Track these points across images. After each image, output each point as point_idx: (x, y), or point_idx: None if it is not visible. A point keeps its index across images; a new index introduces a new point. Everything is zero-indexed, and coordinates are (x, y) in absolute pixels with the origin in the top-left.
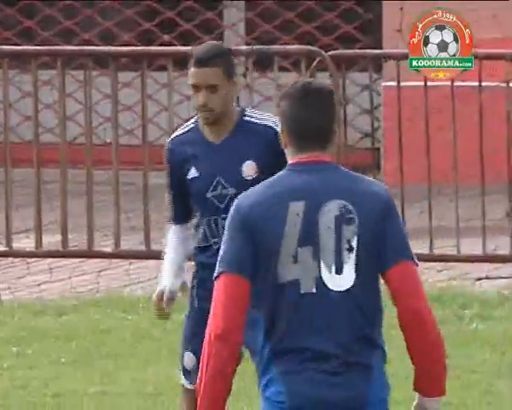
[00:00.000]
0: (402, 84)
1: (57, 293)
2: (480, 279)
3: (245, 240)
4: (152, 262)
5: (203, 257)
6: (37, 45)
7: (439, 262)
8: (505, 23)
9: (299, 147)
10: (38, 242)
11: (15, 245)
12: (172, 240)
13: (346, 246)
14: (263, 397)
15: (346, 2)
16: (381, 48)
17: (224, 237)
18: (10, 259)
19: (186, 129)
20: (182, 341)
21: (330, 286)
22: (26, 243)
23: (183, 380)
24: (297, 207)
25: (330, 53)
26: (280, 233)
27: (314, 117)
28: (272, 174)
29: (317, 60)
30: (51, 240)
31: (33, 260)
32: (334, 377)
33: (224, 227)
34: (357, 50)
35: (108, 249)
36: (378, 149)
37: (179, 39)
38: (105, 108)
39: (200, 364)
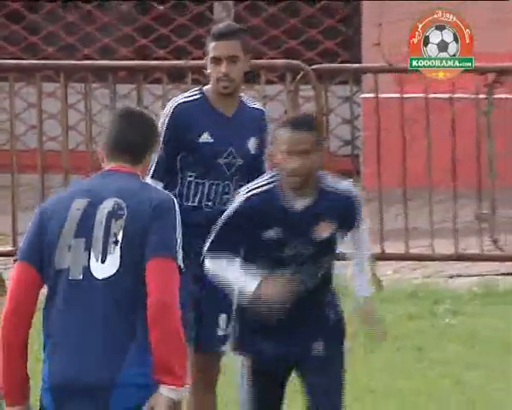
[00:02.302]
0: (380, 95)
1: None
2: (452, 277)
3: (37, 233)
4: None
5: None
6: (41, 60)
7: (414, 261)
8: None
9: (111, 158)
10: None
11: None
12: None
13: (113, 239)
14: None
15: (328, 20)
16: (360, 62)
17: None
18: None
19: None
20: None
21: (95, 274)
22: None
23: None
24: (80, 203)
25: (313, 67)
26: (61, 225)
27: (126, 135)
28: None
29: (301, 73)
30: None
31: None
32: (83, 357)
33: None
34: (339, 64)
35: None
36: (358, 155)
37: (173, 54)
38: (104, 117)
39: None
